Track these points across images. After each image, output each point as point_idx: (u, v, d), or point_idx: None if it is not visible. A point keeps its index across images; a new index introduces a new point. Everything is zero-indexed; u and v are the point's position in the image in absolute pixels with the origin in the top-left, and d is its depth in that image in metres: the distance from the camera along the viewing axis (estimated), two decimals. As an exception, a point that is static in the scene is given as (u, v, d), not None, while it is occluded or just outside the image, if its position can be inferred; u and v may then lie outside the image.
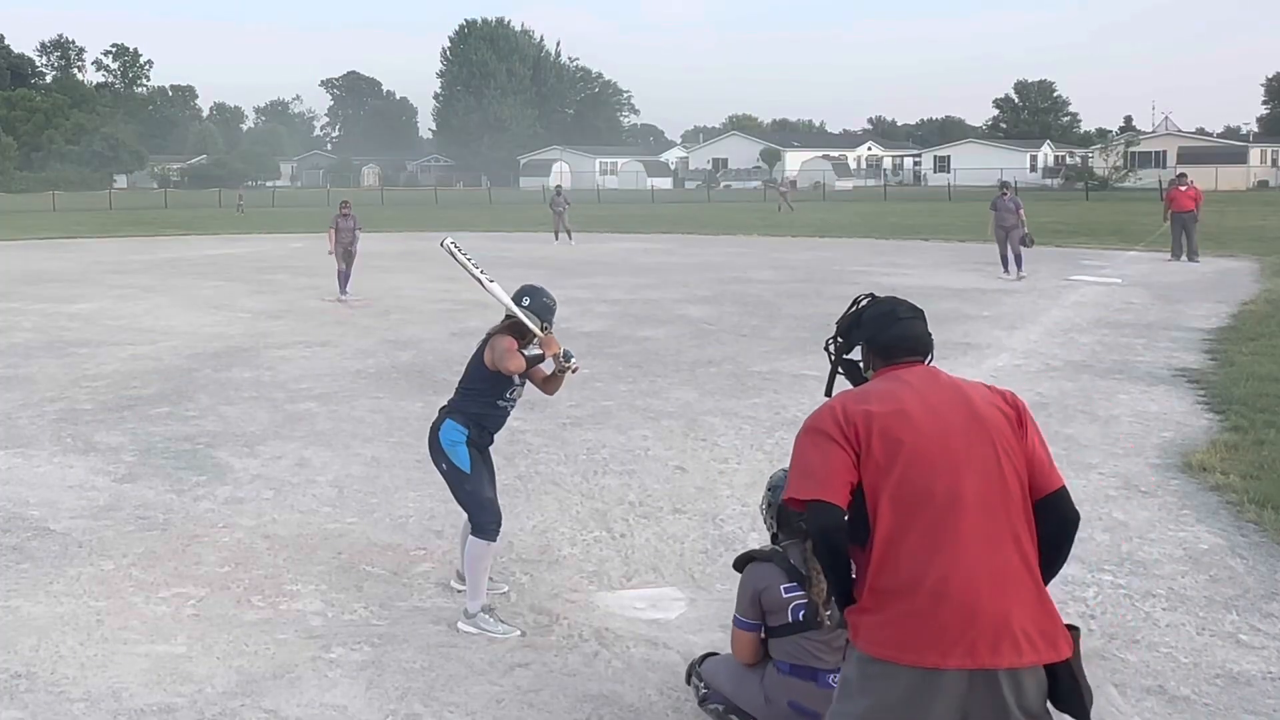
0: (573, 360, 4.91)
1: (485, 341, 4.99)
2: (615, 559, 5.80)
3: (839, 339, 3.29)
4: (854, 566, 2.90)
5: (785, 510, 3.74)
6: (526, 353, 4.83)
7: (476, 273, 4.99)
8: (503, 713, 4.18)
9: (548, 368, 5.07)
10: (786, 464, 3.79)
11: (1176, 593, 5.23)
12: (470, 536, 4.92)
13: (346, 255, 17.53)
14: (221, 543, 6.05)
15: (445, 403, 5.13)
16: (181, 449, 8.07)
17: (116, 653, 4.68)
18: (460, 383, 5.10)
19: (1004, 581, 2.70)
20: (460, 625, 4.89)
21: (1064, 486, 2.91)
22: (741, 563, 3.88)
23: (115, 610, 5.13)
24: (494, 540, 4.91)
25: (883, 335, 3.07)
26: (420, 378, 10.73)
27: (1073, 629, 2.79)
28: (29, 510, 6.64)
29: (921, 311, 3.16)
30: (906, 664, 2.67)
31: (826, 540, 2.82)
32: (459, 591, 5.26)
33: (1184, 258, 22.15)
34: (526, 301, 4.94)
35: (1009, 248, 19.28)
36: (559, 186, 36.12)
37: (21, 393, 10.19)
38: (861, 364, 3.18)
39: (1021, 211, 19.43)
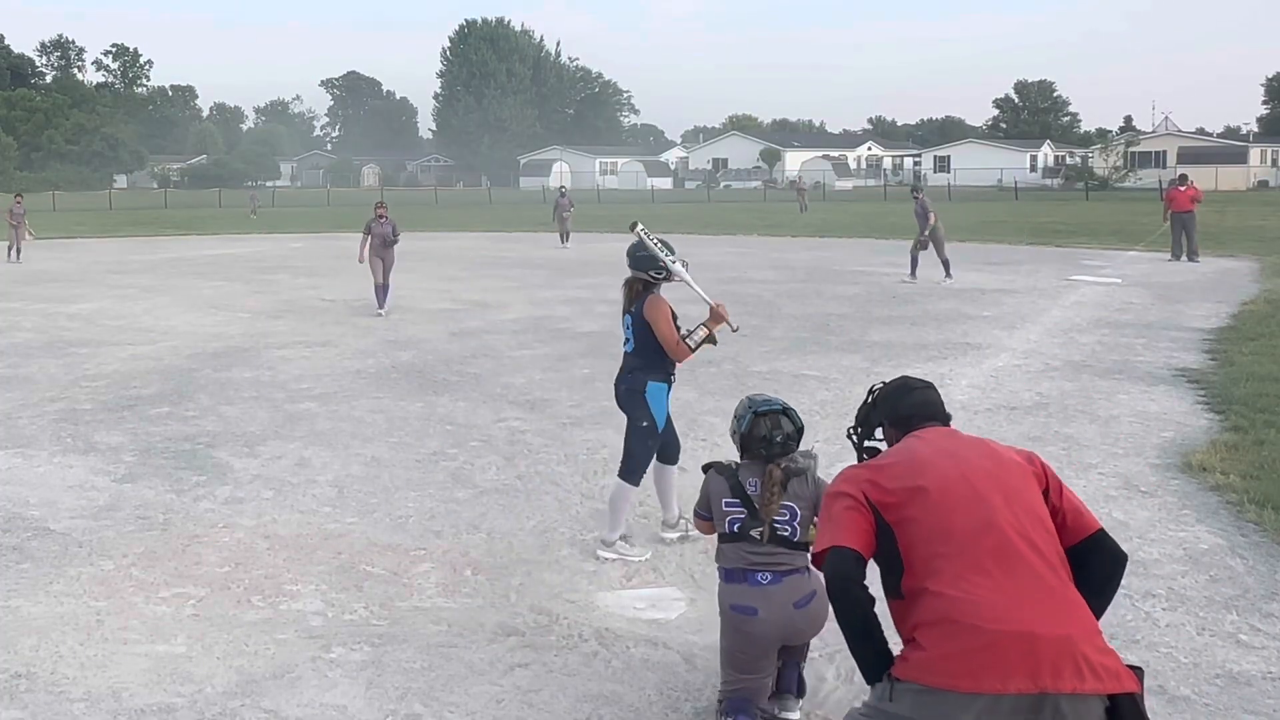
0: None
1: (640, 301, 5.68)
2: (615, 559, 5.80)
3: (860, 428, 3.43)
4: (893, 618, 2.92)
5: (749, 439, 4.18)
6: (692, 342, 5.63)
7: (663, 255, 5.59)
8: (503, 713, 4.18)
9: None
10: (743, 398, 4.33)
11: (1176, 593, 5.23)
12: (621, 481, 5.71)
13: (384, 268, 15.64)
14: (221, 543, 6.05)
15: (627, 368, 5.80)
16: (181, 449, 8.07)
17: (116, 653, 4.68)
18: (638, 349, 5.72)
19: (1061, 608, 2.69)
20: (600, 553, 5.71)
21: (1103, 529, 2.98)
22: (706, 468, 4.33)
23: (115, 610, 5.13)
24: (639, 485, 5.81)
25: (899, 407, 3.23)
26: (420, 378, 10.73)
27: (1136, 670, 2.76)
28: (29, 510, 6.64)
29: (932, 384, 3.34)
30: (965, 690, 2.64)
31: (842, 585, 2.86)
32: (669, 537, 5.96)
33: (1184, 258, 22.10)
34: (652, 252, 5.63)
35: (936, 252, 18.54)
36: (562, 188, 36.12)
37: (21, 393, 10.19)
38: (885, 444, 3.30)
39: (932, 215, 18.53)
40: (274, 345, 12.87)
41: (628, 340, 5.77)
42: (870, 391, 3.44)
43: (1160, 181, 62.39)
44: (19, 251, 25.67)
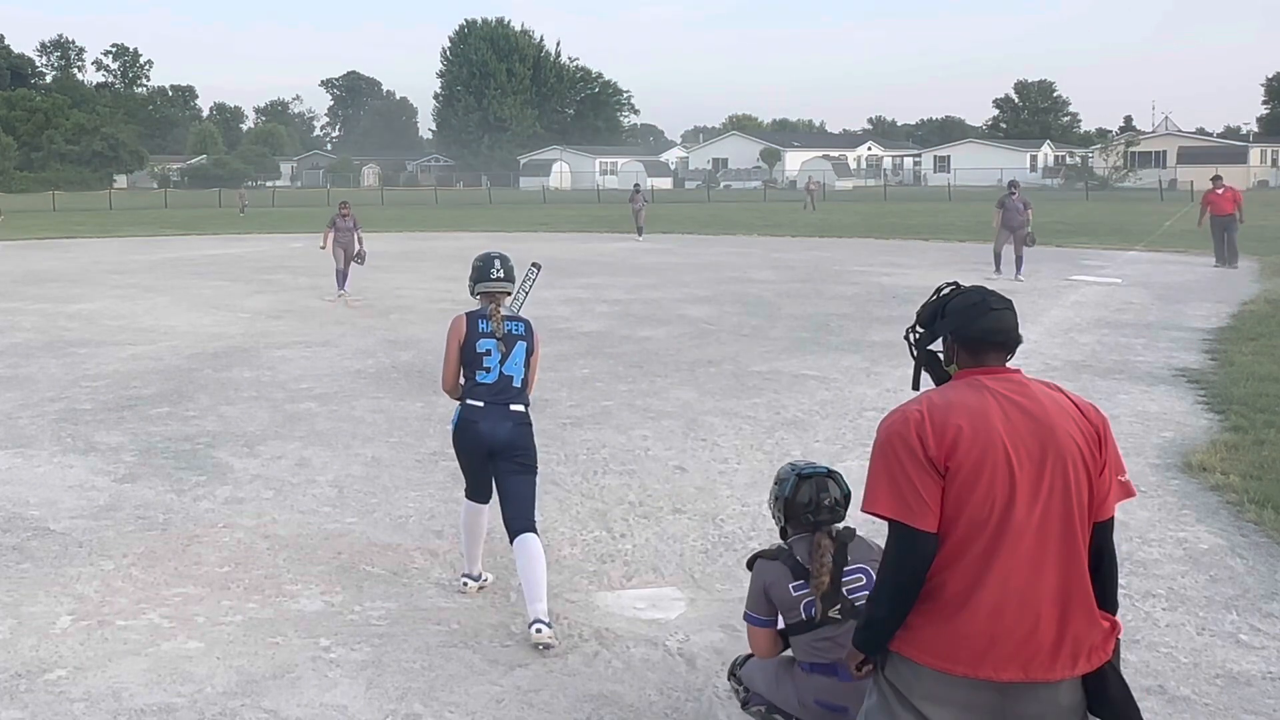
0: None
1: (530, 331, 5.08)
2: (615, 559, 5.80)
3: (920, 329, 3.06)
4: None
5: (793, 504, 3.75)
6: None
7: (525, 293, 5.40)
8: (503, 713, 4.18)
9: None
10: (784, 463, 3.75)
11: (1176, 593, 5.23)
12: (534, 536, 4.91)
13: (345, 255, 17.67)
14: (221, 543, 6.05)
15: (508, 398, 5.00)
16: (181, 449, 8.07)
17: (116, 653, 4.68)
18: (523, 381, 5.04)
19: (1063, 602, 2.66)
20: (550, 636, 4.70)
21: (1111, 519, 2.85)
22: (752, 562, 3.85)
23: (115, 610, 5.12)
24: None
25: (971, 327, 2.85)
26: (420, 378, 10.72)
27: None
28: (29, 510, 6.64)
29: (1011, 302, 2.94)
30: (959, 675, 2.64)
31: (918, 572, 2.67)
32: (461, 592, 5.31)
33: (1226, 263, 21.04)
34: (497, 265, 5.12)
35: (1015, 248, 19.21)
36: (637, 185, 37.77)
37: (21, 393, 10.19)
38: (943, 356, 2.98)
39: (1029, 212, 19.43)
40: (274, 345, 12.87)
41: (506, 368, 5.00)
42: (938, 292, 3.04)
43: (1160, 181, 62.74)
44: None
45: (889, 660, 2.77)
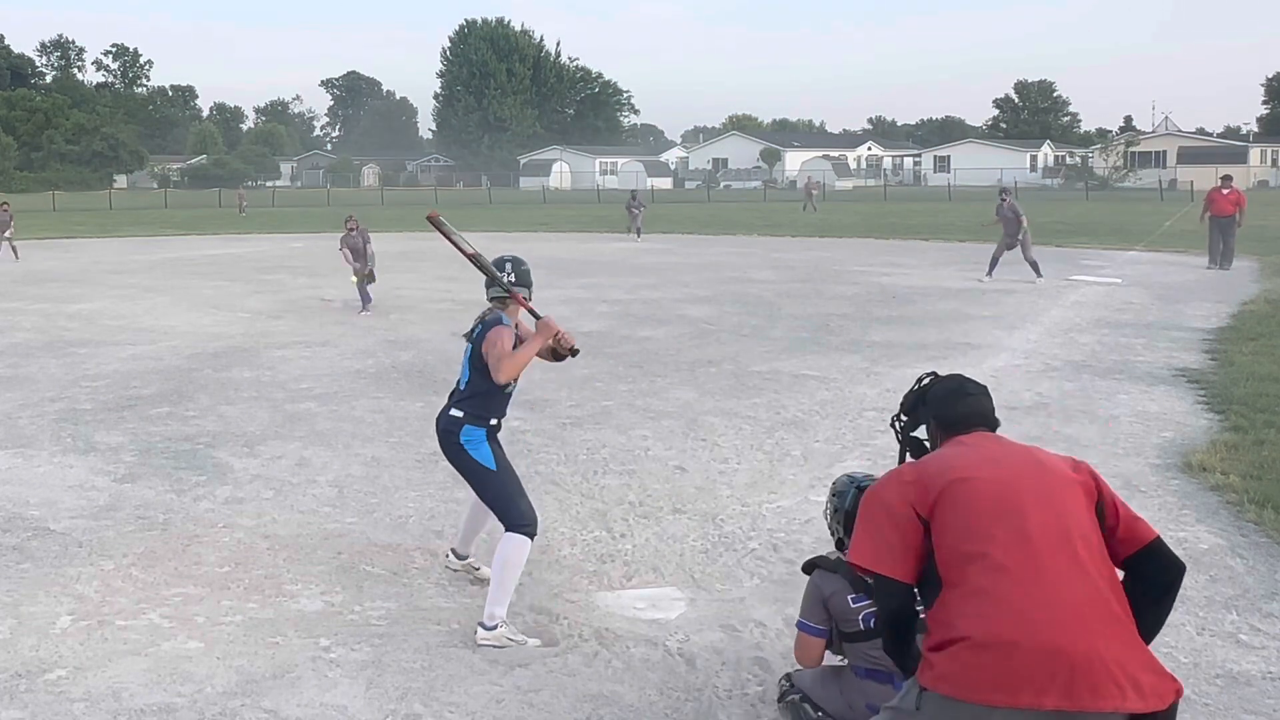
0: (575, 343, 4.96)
1: (481, 332, 4.87)
2: (615, 559, 5.80)
3: (904, 417, 3.33)
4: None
5: (853, 517, 3.77)
6: (516, 351, 4.75)
7: (465, 245, 4.94)
8: (503, 713, 4.18)
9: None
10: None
11: (1176, 593, 5.23)
12: (511, 536, 4.79)
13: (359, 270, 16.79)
14: (221, 543, 6.05)
15: (450, 401, 4.99)
16: (181, 449, 8.07)
17: (116, 653, 4.68)
18: (468, 380, 4.92)
19: (1088, 621, 2.59)
20: (482, 638, 4.72)
21: (1150, 546, 2.86)
22: (808, 567, 3.92)
23: (115, 610, 5.12)
24: (532, 538, 4.83)
25: (950, 412, 3.12)
26: (420, 378, 10.73)
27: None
28: (29, 510, 6.64)
29: (986, 388, 3.22)
30: (976, 702, 2.56)
31: (894, 619, 2.82)
32: (455, 570, 5.40)
33: (1220, 264, 20.79)
34: (509, 268, 4.98)
35: (1024, 254, 18.66)
36: (635, 191, 37.78)
37: (21, 393, 10.19)
38: (928, 442, 3.22)
39: (1023, 219, 18.90)
40: (274, 345, 12.87)
41: (462, 369, 5.06)
42: (919, 382, 3.33)
43: (1160, 181, 62.78)
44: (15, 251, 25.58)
45: (923, 698, 2.70)
